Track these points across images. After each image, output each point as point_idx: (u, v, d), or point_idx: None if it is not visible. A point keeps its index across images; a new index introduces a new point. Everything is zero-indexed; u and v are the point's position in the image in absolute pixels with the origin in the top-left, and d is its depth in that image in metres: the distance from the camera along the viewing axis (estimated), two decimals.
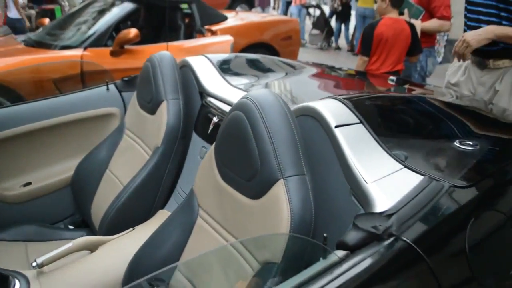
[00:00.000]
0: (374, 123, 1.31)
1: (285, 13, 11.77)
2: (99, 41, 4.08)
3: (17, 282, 1.42)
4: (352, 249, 0.92)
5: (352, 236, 0.93)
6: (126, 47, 4.01)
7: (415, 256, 0.94)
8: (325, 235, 0.93)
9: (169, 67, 1.93)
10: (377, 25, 3.26)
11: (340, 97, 1.37)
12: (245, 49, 4.97)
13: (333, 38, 10.49)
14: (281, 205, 1.10)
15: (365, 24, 7.06)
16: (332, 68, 2.73)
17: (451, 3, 3.54)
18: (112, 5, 4.53)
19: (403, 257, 0.93)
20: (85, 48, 3.97)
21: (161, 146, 1.82)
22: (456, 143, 1.32)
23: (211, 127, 1.80)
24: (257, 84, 2.14)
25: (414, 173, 1.14)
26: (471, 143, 1.32)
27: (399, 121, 1.57)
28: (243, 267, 1.16)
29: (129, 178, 1.87)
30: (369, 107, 1.51)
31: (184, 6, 4.88)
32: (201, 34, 4.70)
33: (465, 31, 2.36)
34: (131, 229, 1.75)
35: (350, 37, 10.07)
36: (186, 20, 4.92)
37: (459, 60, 2.31)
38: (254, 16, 6.65)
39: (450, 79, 2.62)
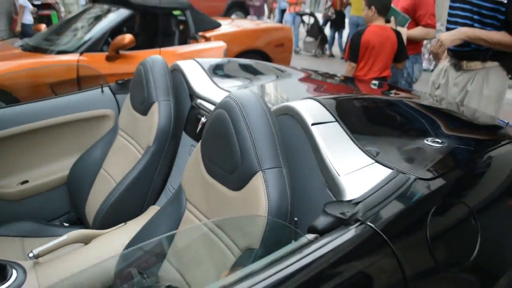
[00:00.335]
0: (349, 122, 1.41)
1: (281, 21, 11.94)
2: (95, 46, 4.17)
3: (14, 271, 1.50)
4: (321, 233, 1.01)
5: (321, 221, 1.03)
6: (121, 52, 4.09)
7: (379, 241, 1.03)
8: (296, 219, 1.03)
9: (160, 70, 2.02)
10: (364, 33, 3.37)
11: (318, 97, 1.47)
12: (239, 56, 5.08)
13: (327, 46, 10.64)
14: (259, 195, 1.19)
15: None
16: (323, 74, 2.83)
17: (443, 11, 3.68)
18: (108, 11, 4.62)
19: (367, 241, 1.03)
20: (81, 53, 4.05)
21: (153, 145, 1.91)
22: (426, 141, 1.42)
23: (199, 126, 1.89)
24: (245, 86, 2.23)
25: (384, 167, 1.24)
26: (439, 141, 1.42)
27: (374, 121, 1.68)
28: (225, 254, 1.25)
29: (122, 176, 1.96)
30: (345, 107, 1.61)
31: (178, 13, 4.98)
32: (195, 40, 4.81)
33: None
34: (123, 223, 1.84)
35: (344, 45, 10.20)
36: (181, 27, 5.02)
37: (434, 59, 2.48)
38: (248, 24, 6.77)
39: (434, 82, 2.77)
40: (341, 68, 8.51)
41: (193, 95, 2.05)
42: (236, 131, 1.27)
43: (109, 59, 4.07)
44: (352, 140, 1.33)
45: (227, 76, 2.41)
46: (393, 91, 2.38)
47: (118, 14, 4.49)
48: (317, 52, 10.42)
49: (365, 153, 1.30)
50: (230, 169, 1.29)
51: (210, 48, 4.59)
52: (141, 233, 1.59)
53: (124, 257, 1.58)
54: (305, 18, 11.12)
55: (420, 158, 1.33)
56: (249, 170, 1.23)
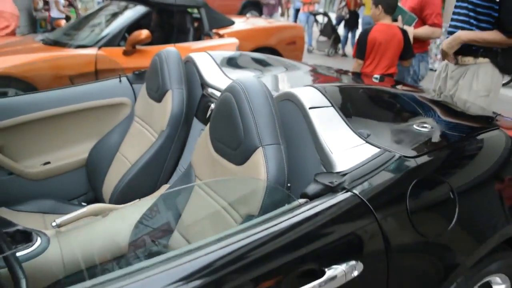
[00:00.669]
0: (344, 107, 1.56)
1: (295, 21, 12.07)
2: (112, 41, 4.32)
3: (39, 238, 1.66)
4: (311, 198, 1.16)
5: (312, 188, 1.18)
6: (138, 47, 4.24)
7: (363, 207, 1.18)
8: (289, 184, 1.17)
9: (175, 61, 2.18)
10: (371, 31, 3.49)
11: (316, 85, 1.61)
12: None
13: (340, 45, 10.74)
14: (260, 169, 1.33)
15: None
16: (338, 71, 2.97)
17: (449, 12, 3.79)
18: (125, 8, 4.80)
19: (352, 206, 1.17)
20: (99, 48, 4.22)
21: (166, 129, 2.07)
22: (414, 126, 1.55)
23: (209, 112, 2.05)
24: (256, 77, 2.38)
25: (373, 147, 1.38)
26: (426, 125, 1.55)
27: (367, 107, 1.82)
28: (228, 222, 1.40)
29: (137, 158, 2.12)
30: (341, 94, 1.75)
31: (193, 10, 5.14)
32: (209, 37, 4.97)
33: (448, 32, 2.66)
34: (137, 200, 1.99)
35: None
36: (195, 24, 5.19)
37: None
38: (261, 22, 6.92)
39: (438, 76, 2.93)
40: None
41: (204, 84, 2.20)
42: (240, 111, 1.42)
43: (126, 53, 4.22)
44: (346, 123, 1.47)
45: (238, 67, 2.56)
46: (399, 86, 2.51)
47: (135, 11, 4.65)
48: (330, 52, 10.52)
49: (356, 134, 1.43)
50: (234, 145, 1.43)
51: (223, 45, 4.73)
52: (153, 207, 1.74)
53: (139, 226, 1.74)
54: (319, 17, 11.23)
55: (407, 140, 1.46)
56: (251, 146, 1.37)
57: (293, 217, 1.08)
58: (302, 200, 1.15)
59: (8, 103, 2.22)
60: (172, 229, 1.60)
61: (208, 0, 5.17)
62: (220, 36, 4.97)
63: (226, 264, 0.99)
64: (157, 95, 2.16)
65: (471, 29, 2.53)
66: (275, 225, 1.05)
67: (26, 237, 1.66)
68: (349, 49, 10.65)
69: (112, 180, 2.21)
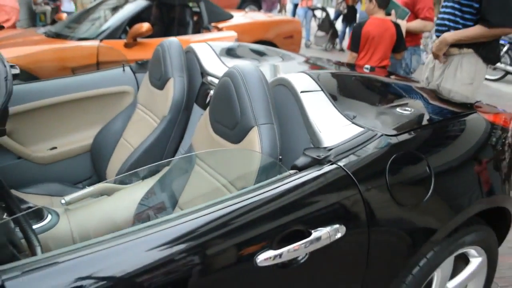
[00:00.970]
0: (333, 92, 1.69)
1: (294, 15, 12.17)
2: (114, 34, 4.41)
3: (49, 214, 1.78)
4: (300, 169, 1.29)
5: (301, 160, 1.31)
6: (139, 40, 4.33)
7: (346, 178, 1.31)
8: (280, 157, 1.30)
9: (176, 50, 2.30)
10: (364, 25, 3.61)
11: (308, 71, 1.74)
12: None
13: (337, 40, 10.85)
14: (255, 146, 1.46)
15: None
16: (336, 63, 3.09)
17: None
18: (126, 1, 4.90)
19: (337, 177, 1.30)
20: (101, 40, 4.31)
21: (168, 115, 2.19)
22: (397, 109, 1.68)
23: (208, 98, 2.17)
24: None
25: (358, 127, 1.50)
26: (408, 109, 1.68)
27: (355, 92, 1.95)
28: (225, 193, 1.52)
29: (139, 143, 2.24)
30: (331, 80, 1.88)
31: (192, 4, 5.26)
32: (208, 30, 5.08)
33: (436, 24, 2.81)
34: (140, 180, 2.12)
35: None
36: (195, 17, 5.30)
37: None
38: (260, 16, 7.03)
39: (426, 66, 3.07)
40: None
41: (203, 72, 2.33)
42: (237, 94, 1.55)
43: (127, 46, 4.31)
44: (334, 106, 1.60)
45: (236, 57, 2.69)
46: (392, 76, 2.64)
47: (136, 4, 4.75)
48: (327, 46, 10.65)
49: (343, 116, 1.56)
50: (232, 125, 1.56)
51: (222, 38, 4.84)
52: (156, 185, 1.87)
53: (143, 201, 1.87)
54: (317, 12, 11.34)
55: (389, 121, 1.59)
56: (247, 125, 1.50)
57: (283, 185, 1.21)
58: (292, 171, 1.28)
59: (17, 90, 2.33)
60: (174, 204, 1.73)
61: None
62: (219, 29, 5.09)
63: (217, 227, 1.10)
64: (160, 82, 2.28)
65: (456, 20, 2.67)
66: (267, 191, 1.18)
67: (37, 213, 1.79)
68: (346, 44, 10.76)
69: (115, 164, 2.33)
